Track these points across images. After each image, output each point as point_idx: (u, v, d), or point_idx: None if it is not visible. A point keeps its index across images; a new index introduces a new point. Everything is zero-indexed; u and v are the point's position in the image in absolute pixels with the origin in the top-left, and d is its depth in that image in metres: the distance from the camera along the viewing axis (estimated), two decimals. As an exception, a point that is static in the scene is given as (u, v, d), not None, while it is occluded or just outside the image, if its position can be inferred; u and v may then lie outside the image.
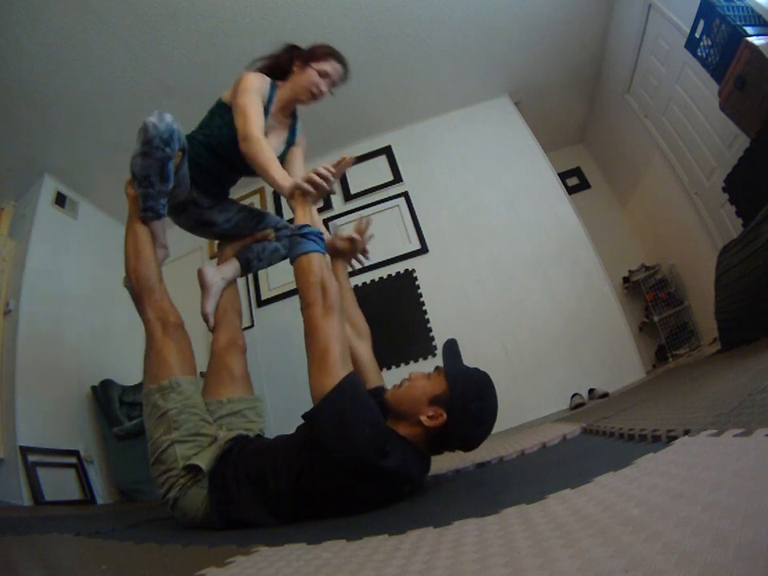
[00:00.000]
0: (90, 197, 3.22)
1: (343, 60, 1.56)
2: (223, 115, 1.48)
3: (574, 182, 4.15)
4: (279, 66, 1.55)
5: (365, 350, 1.43)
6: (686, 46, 2.27)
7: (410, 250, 3.03)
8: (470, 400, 0.97)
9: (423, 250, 3.04)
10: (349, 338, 1.39)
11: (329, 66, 1.52)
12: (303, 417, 0.96)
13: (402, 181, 3.27)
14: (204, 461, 0.99)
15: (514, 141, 3.30)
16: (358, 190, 3.25)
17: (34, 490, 2.06)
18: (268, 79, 1.50)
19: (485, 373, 1.03)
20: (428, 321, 2.84)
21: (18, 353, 2.35)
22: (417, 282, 2.94)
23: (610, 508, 0.49)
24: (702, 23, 2.10)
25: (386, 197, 3.22)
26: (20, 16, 2.05)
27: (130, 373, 2.97)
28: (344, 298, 1.42)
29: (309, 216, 1.14)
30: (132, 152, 1.24)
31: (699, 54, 2.19)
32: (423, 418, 0.95)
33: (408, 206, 3.17)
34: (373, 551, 0.56)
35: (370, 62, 2.82)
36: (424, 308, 2.87)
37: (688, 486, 0.47)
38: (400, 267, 3.00)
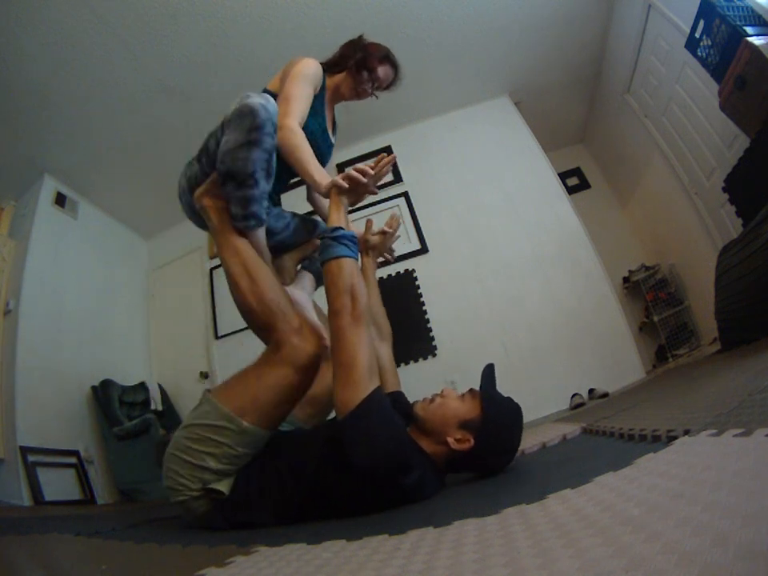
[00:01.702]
0: (90, 197, 3.22)
1: (397, 66, 1.48)
2: None
3: (574, 181, 4.15)
4: (337, 59, 1.47)
5: (385, 353, 1.41)
6: (686, 46, 2.27)
7: (409, 250, 3.03)
8: (500, 431, 0.97)
9: (423, 250, 3.04)
10: (372, 340, 1.38)
11: (381, 71, 1.44)
12: (334, 423, 0.94)
13: (401, 181, 3.28)
14: (226, 486, 0.95)
15: (513, 141, 3.30)
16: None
17: (34, 490, 2.06)
18: (321, 68, 1.40)
19: (517, 404, 1.03)
20: (428, 321, 2.84)
21: (17, 353, 2.35)
22: (417, 282, 2.94)
23: (609, 508, 0.49)
24: (701, 23, 2.10)
25: (386, 197, 3.22)
26: (20, 16, 2.05)
27: (129, 373, 2.98)
28: (370, 296, 1.36)
29: (343, 218, 1.08)
30: (225, 146, 1.04)
31: (699, 53, 2.19)
32: (450, 440, 0.95)
33: (408, 206, 3.18)
34: (373, 551, 0.56)
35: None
36: (424, 308, 2.87)
37: (688, 486, 0.47)
38: (400, 267, 3.00)
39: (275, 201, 1.49)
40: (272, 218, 1.40)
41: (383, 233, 1.50)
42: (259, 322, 1.06)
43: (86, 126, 2.68)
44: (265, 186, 1.10)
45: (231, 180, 1.07)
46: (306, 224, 1.54)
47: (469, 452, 0.95)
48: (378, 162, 1.12)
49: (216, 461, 0.94)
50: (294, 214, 1.54)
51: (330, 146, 1.47)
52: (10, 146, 2.63)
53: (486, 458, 0.98)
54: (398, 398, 1.26)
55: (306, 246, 1.52)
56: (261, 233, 1.17)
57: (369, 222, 1.52)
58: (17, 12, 2.04)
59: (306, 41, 2.56)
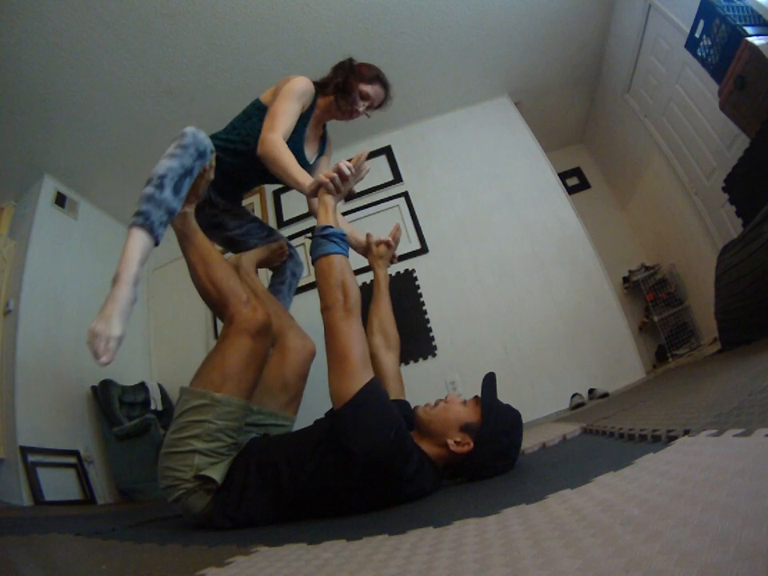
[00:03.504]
0: (90, 197, 3.22)
1: (387, 86, 1.56)
2: (262, 118, 1.42)
3: (574, 181, 4.15)
4: (326, 81, 1.54)
5: (391, 362, 1.45)
6: (685, 46, 2.27)
7: (410, 250, 3.03)
8: (499, 435, 0.99)
9: (423, 250, 3.03)
10: (378, 348, 1.44)
11: (372, 90, 1.52)
12: (328, 415, 0.96)
13: (401, 181, 3.27)
14: (218, 473, 0.96)
15: (513, 141, 3.30)
16: (358, 190, 3.25)
17: (34, 489, 2.06)
18: (313, 87, 1.48)
19: (517, 411, 1.07)
20: (428, 321, 2.84)
21: (17, 353, 2.35)
22: (417, 282, 2.94)
23: (609, 508, 0.49)
24: (701, 23, 2.10)
25: (386, 197, 3.21)
26: (20, 16, 2.05)
27: (129, 373, 2.97)
28: (381, 307, 1.51)
29: (332, 217, 1.12)
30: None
31: (699, 53, 2.19)
32: (450, 442, 0.97)
33: (408, 206, 3.17)
34: (373, 551, 0.56)
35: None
36: (424, 308, 2.87)
37: (688, 486, 0.47)
38: (400, 267, 2.99)
39: (236, 200, 1.63)
40: (228, 216, 1.57)
41: (387, 244, 1.60)
42: (215, 299, 1.17)
43: (86, 125, 2.68)
44: (170, 197, 1.09)
45: (148, 182, 1.10)
46: (262, 230, 1.68)
47: (468, 455, 0.97)
48: (357, 160, 1.18)
49: (201, 441, 0.97)
50: (254, 219, 1.69)
51: (305, 164, 1.52)
52: (9, 146, 2.62)
53: (484, 462, 0.99)
54: (402, 406, 1.28)
55: (263, 250, 1.64)
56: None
57: (369, 236, 1.62)
58: (17, 12, 2.03)
59: (307, 41, 2.56)
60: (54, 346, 2.58)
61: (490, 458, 0.99)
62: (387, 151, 3.38)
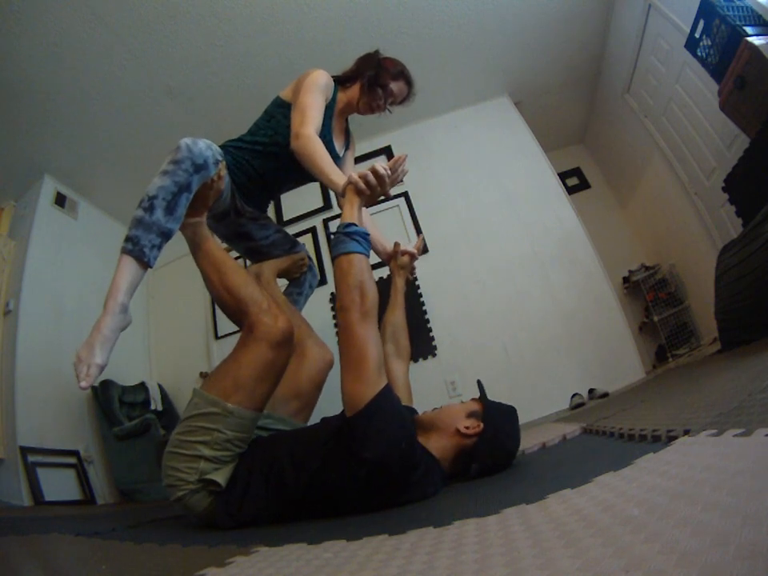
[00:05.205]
0: (90, 197, 3.22)
1: (411, 82, 1.54)
2: (287, 115, 1.39)
3: (574, 181, 4.15)
4: (352, 73, 1.52)
5: (401, 371, 1.46)
6: (685, 46, 2.27)
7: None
8: (503, 416, 1.06)
9: (423, 250, 3.03)
10: (388, 356, 1.44)
11: (396, 86, 1.49)
12: (342, 418, 0.95)
13: (401, 181, 3.26)
14: (223, 477, 0.96)
15: (513, 141, 3.30)
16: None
17: (34, 489, 2.06)
18: (332, 80, 1.46)
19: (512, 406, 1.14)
20: (428, 321, 2.84)
21: (17, 353, 2.35)
22: (417, 282, 2.94)
23: (609, 508, 0.49)
24: (701, 23, 2.10)
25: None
26: (20, 16, 2.05)
27: (130, 373, 2.97)
28: (396, 315, 1.52)
29: (357, 215, 1.10)
30: None
31: (699, 54, 2.19)
32: (461, 427, 1.01)
33: (408, 206, 3.17)
34: (373, 551, 0.56)
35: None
36: (424, 308, 2.87)
37: (688, 485, 0.47)
38: (400, 267, 2.99)
39: (263, 208, 1.61)
40: (256, 225, 1.56)
41: (411, 255, 1.62)
42: (233, 308, 1.13)
43: (87, 125, 2.68)
44: (162, 219, 1.08)
45: (139, 204, 1.10)
46: (287, 241, 1.67)
47: (480, 436, 1.00)
48: (394, 163, 1.17)
49: (209, 448, 0.96)
50: (279, 230, 1.68)
51: (336, 157, 1.50)
52: (9, 146, 2.62)
53: (495, 439, 1.02)
54: (410, 411, 1.29)
55: (284, 261, 1.64)
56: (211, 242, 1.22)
57: (397, 245, 1.63)
58: (17, 12, 2.03)
59: (307, 41, 2.56)
60: (54, 346, 2.58)
61: (501, 435, 1.03)
62: (387, 151, 3.38)
